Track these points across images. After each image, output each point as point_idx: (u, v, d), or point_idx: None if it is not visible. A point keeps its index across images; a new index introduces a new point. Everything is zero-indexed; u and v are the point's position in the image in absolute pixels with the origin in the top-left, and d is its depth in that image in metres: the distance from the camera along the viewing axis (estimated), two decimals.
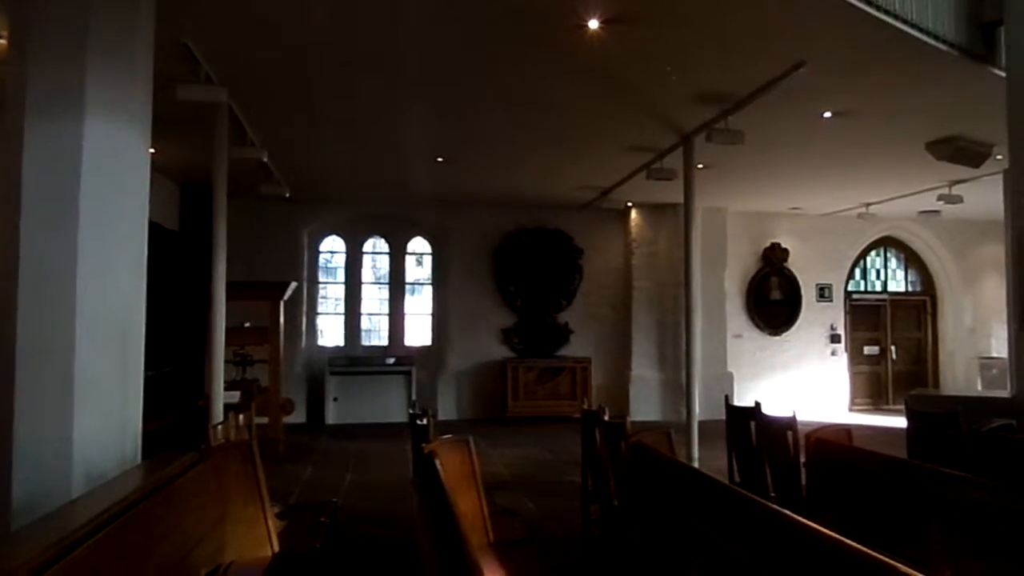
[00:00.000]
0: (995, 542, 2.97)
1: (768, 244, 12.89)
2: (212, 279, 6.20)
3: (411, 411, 4.64)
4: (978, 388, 12.34)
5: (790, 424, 4.34)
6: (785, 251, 12.90)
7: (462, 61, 5.86)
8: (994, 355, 12.84)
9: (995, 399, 6.81)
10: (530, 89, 6.51)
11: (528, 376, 12.04)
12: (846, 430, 4.03)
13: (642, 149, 8.50)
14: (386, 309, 12.79)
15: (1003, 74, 5.49)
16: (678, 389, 11.36)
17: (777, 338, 12.94)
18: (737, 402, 5.88)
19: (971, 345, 13.47)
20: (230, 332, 6.98)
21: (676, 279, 11.42)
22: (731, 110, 6.72)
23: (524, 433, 10.75)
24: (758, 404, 4.82)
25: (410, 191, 11.18)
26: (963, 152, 7.65)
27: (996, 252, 10.74)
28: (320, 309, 12.59)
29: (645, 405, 12.09)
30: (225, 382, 6.62)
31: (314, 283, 12.47)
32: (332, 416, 11.41)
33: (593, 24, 5.01)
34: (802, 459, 4.36)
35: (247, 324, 8.91)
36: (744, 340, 12.77)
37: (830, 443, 3.93)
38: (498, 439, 10.19)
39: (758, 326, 12.87)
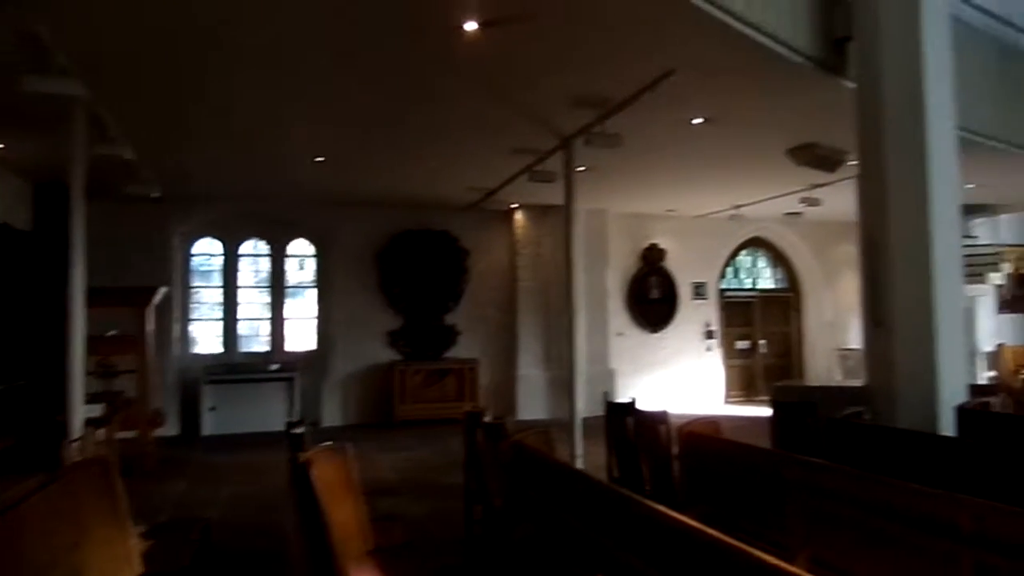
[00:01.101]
0: (847, 523, 3.18)
1: (647, 245, 13.37)
2: (69, 284, 5.78)
3: (288, 419, 4.50)
4: (837, 378, 13.26)
5: (662, 419, 4.50)
6: (663, 251, 13.41)
7: (341, 57, 5.72)
8: (851, 347, 13.83)
9: (850, 388, 7.33)
10: (411, 89, 6.45)
11: (415, 379, 11.93)
12: (714, 422, 4.23)
13: (524, 151, 8.60)
14: (267, 314, 12.35)
15: (853, 86, 5.90)
16: (564, 387, 11.56)
17: (657, 335, 13.44)
18: (620, 398, 6.05)
19: (831, 337, 14.47)
20: (92, 341, 6.54)
21: (560, 279, 11.61)
22: (608, 114, 6.90)
23: (412, 436, 10.66)
24: (634, 400, 4.97)
25: (290, 191, 10.85)
26: (820, 158, 8.19)
27: (852, 251, 11.56)
28: (195, 315, 11.99)
29: (532, 404, 12.26)
30: (87, 395, 6.20)
31: (187, 288, 11.87)
32: (208, 427, 10.88)
33: (470, 26, 5.02)
34: (676, 452, 4.53)
35: (112, 333, 8.37)
36: (626, 338, 13.17)
37: (700, 435, 4.10)
38: (386, 443, 10.05)
39: (639, 324, 13.32)
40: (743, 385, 14.27)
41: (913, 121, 5.26)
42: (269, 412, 11.01)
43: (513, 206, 12.48)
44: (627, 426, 5.00)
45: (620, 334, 13.06)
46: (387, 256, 12.33)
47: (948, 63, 5.52)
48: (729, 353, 14.24)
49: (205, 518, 4.78)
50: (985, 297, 13.18)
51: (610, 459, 5.43)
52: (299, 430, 4.29)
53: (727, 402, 13.75)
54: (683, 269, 13.59)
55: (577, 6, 4.83)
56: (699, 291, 13.79)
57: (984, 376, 12.53)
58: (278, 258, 12.42)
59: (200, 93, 6.49)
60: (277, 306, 12.34)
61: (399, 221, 12.36)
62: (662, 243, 13.43)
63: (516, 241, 12.73)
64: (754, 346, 14.52)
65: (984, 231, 13.24)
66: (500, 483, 4.33)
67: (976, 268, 12.05)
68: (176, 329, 11.43)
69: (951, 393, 5.13)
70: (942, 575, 2.60)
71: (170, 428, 10.29)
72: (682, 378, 13.49)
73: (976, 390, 5.59)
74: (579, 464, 7.66)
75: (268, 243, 12.40)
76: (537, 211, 12.40)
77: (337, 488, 3.84)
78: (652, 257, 13.40)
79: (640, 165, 9.34)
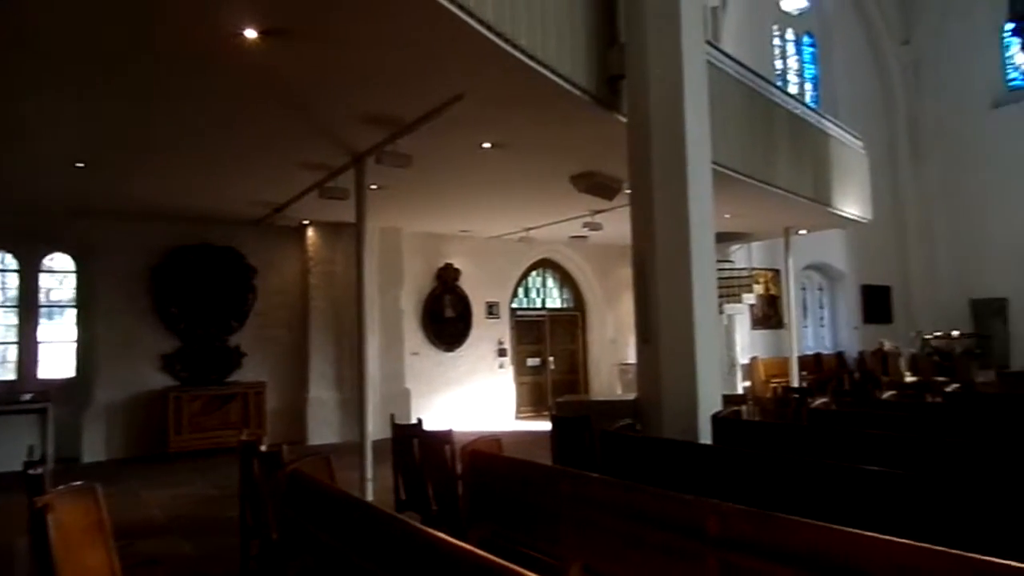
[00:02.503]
0: (614, 531, 3.36)
1: (442, 264, 13.49)
2: None
3: (26, 459, 3.88)
4: (618, 392, 14.17)
5: (447, 438, 4.52)
6: (457, 271, 13.60)
7: (107, 52, 5.18)
8: (630, 362, 14.85)
9: (624, 401, 7.83)
10: (188, 94, 6.00)
11: (194, 406, 11.05)
12: (496, 440, 4.30)
13: (315, 167, 8.33)
14: (14, 337, 10.88)
15: (626, 120, 6.37)
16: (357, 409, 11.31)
17: (451, 354, 13.57)
18: (415, 418, 5.99)
19: (613, 354, 15.45)
20: None
21: (354, 298, 11.38)
22: (399, 134, 6.88)
23: (188, 469, 9.84)
24: (420, 421, 4.94)
25: (45, 200, 9.67)
26: (599, 186, 8.74)
27: (629, 273, 12.44)
28: None
29: (324, 428, 11.85)
30: None
31: None
32: None
33: (251, 34, 4.78)
34: (460, 471, 4.55)
35: None
36: (421, 357, 13.17)
37: (482, 454, 4.15)
38: (156, 478, 9.19)
39: (433, 343, 13.37)
40: (534, 401, 14.80)
41: (675, 155, 5.76)
42: (15, 449, 9.60)
43: (305, 222, 12.05)
44: (413, 448, 4.96)
45: (415, 353, 13.03)
46: (164, 273, 11.36)
47: (705, 104, 6.13)
48: (520, 370, 14.72)
49: None
50: (742, 315, 14.78)
51: (397, 482, 5.35)
52: (38, 470, 3.76)
53: (518, 418, 14.19)
54: (477, 289, 13.87)
55: (362, 25, 4.77)
56: (492, 310, 14.14)
57: (741, 386, 14.01)
58: (29, 274, 11.01)
59: None
60: (27, 328, 10.90)
61: (178, 235, 11.45)
62: (457, 263, 13.62)
63: (308, 259, 12.29)
64: (544, 363, 15.13)
65: (740, 256, 14.88)
66: (277, 515, 4.09)
67: (734, 289, 13.48)
68: None
69: (708, 404, 5.65)
70: (693, 575, 2.82)
71: None
72: (477, 396, 13.73)
73: (729, 400, 6.19)
74: (369, 488, 7.49)
75: (17, 258, 10.96)
76: (330, 228, 12.07)
77: (85, 533, 3.42)
78: (447, 277, 13.54)
79: (433, 186, 9.41)
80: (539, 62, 5.54)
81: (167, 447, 10.71)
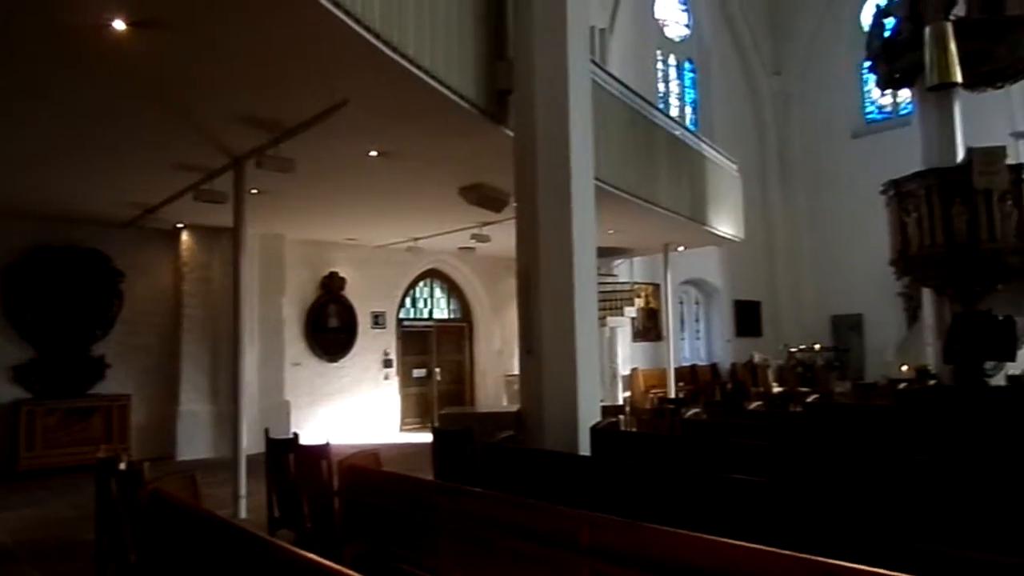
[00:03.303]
0: (491, 544, 3.35)
1: (327, 273, 13.16)
2: None
3: None
4: (504, 403, 14.24)
5: (324, 453, 4.39)
6: (343, 280, 13.31)
7: None
8: (516, 373, 14.98)
9: (508, 413, 7.87)
10: (52, 84, 5.58)
11: (49, 420, 10.22)
12: (375, 454, 4.21)
13: (191, 168, 7.93)
14: None
15: (512, 134, 6.44)
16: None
17: (335, 364, 13.24)
18: (295, 431, 5.79)
19: (500, 365, 15.54)
20: None
21: (231, 306, 10.92)
22: (281, 138, 6.68)
23: (41, 488, 9.09)
24: (296, 435, 4.78)
25: None
26: (487, 198, 8.79)
27: (515, 285, 12.59)
28: None
29: (196, 442, 11.25)
30: None
31: None
32: None
33: (119, 25, 4.50)
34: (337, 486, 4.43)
35: None
36: (303, 368, 12.78)
37: (359, 469, 4.06)
38: (3, 500, 8.44)
39: (316, 353, 13.01)
40: (419, 412, 14.64)
41: (560, 170, 5.88)
42: None
43: (179, 225, 11.45)
44: (288, 463, 4.79)
45: (297, 364, 12.63)
46: (17, 276, 10.48)
47: (589, 122, 6.29)
48: (406, 381, 14.54)
49: None
50: (623, 328, 15.23)
51: (271, 498, 5.14)
52: None
53: (403, 430, 14.00)
54: (363, 298, 13.61)
55: (241, 23, 4.60)
56: (378, 320, 13.91)
57: (622, 396, 14.42)
58: None
59: None
60: None
61: (38, 235, 10.60)
62: (342, 272, 13.33)
63: (182, 264, 11.67)
64: (431, 374, 15.02)
65: (622, 270, 15.36)
66: (136, 538, 3.84)
67: (616, 302, 13.89)
68: None
69: (588, 415, 5.77)
70: None
71: None
72: (361, 408, 13.45)
73: (607, 410, 6.34)
74: (242, 506, 7.18)
75: None
76: (207, 232, 11.52)
77: None
78: (332, 285, 13.22)
79: (318, 192, 9.18)
80: (427, 72, 5.52)
81: (17, 465, 9.86)
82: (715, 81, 19.72)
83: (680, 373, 15.86)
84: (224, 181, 7.95)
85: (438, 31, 5.73)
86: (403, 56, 5.22)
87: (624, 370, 15.33)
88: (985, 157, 9.07)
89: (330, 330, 13.19)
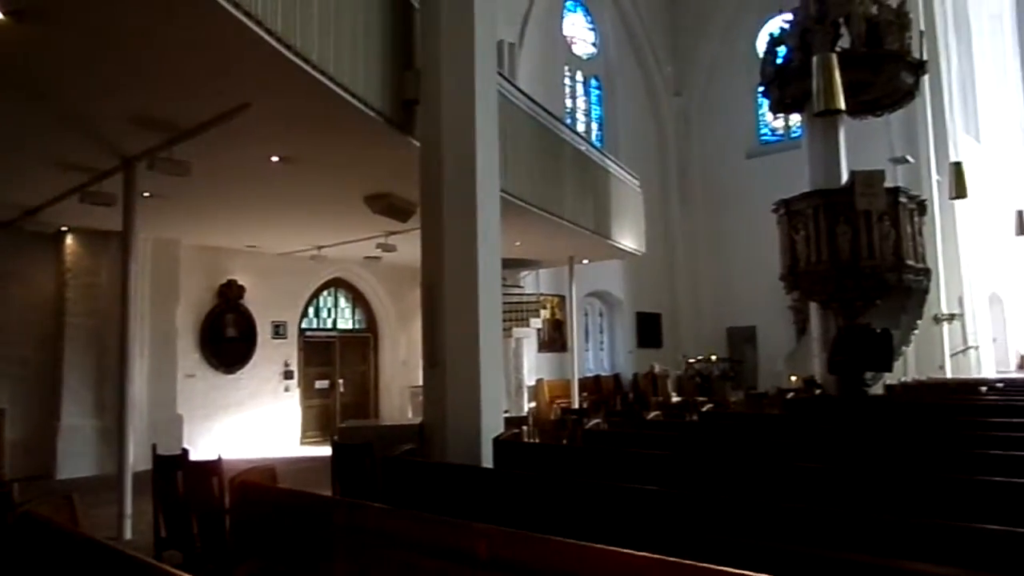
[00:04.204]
0: (389, 560, 3.30)
1: (224, 280, 12.67)
2: None
3: None
4: (409, 415, 14.08)
5: (215, 469, 4.21)
6: (242, 288, 12.84)
7: None
8: (421, 384, 14.85)
9: (411, 425, 7.79)
10: None
11: None
12: (270, 469, 4.08)
13: (76, 168, 7.49)
14: None
15: (418, 144, 6.40)
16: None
17: (232, 376, 12.75)
18: (187, 446, 5.53)
19: (405, 376, 15.35)
20: None
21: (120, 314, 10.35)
22: (176, 140, 6.40)
23: None
24: (185, 451, 4.57)
25: None
26: (393, 208, 8.71)
27: None
28: None
29: (79, 459, 10.56)
30: None
31: None
32: None
33: None
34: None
35: None
36: (197, 379, 12.24)
37: (252, 485, 3.91)
38: None
39: (212, 364, 12.49)
40: (321, 425, 14.27)
41: (466, 182, 5.89)
42: None
43: (63, 229, 10.78)
44: (177, 480, 4.56)
45: (190, 376, 12.09)
46: None
47: (496, 133, 6.33)
48: (308, 393, 14.16)
49: None
50: (529, 338, 15.38)
51: (157, 518, 4.89)
52: None
53: (303, 443, 13.62)
54: (263, 307, 13.17)
55: (130, 16, 4.38)
56: (279, 330, 13.50)
57: (527, 407, 14.53)
58: None
59: None
60: None
61: None
62: (241, 279, 12.86)
63: (66, 270, 10.97)
64: (333, 385, 14.69)
65: (529, 282, 15.51)
66: (4, 565, 3.57)
67: (522, 313, 14.02)
68: None
69: (492, 427, 5.78)
70: None
71: None
72: (259, 421, 12.99)
73: (510, 422, 6.37)
74: (127, 526, 6.80)
75: None
76: (95, 236, 10.87)
77: None
78: (230, 294, 12.73)
79: (217, 197, 8.85)
80: (331, 79, 5.43)
81: None
82: (620, 99, 20.28)
83: (584, 383, 16.14)
84: (114, 183, 7.54)
85: (343, 38, 5.64)
86: (306, 61, 5.11)
87: (530, 380, 15.46)
88: (866, 180, 9.69)
89: (227, 340, 12.69)
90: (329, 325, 14.90)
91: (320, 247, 12.37)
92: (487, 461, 5.57)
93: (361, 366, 15.33)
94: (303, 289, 14.04)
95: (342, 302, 15.20)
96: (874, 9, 10.37)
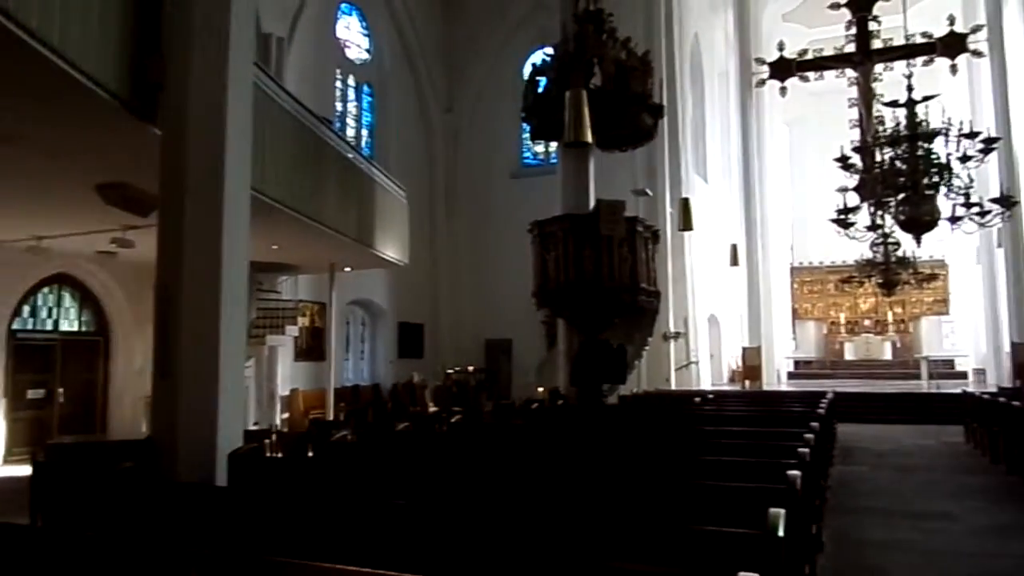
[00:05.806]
0: None
1: None
2: None
3: None
4: (143, 428, 12.82)
5: None
6: None
7: None
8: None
9: (139, 441, 7.10)
10: None
11: None
12: None
13: None
14: None
15: (160, 133, 5.89)
16: None
17: None
18: None
19: (140, 386, 13.94)
20: None
21: None
22: None
23: None
24: None
25: None
26: (131, 200, 7.92)
27: None
28: None
29: None
30: None
31: None
32: None
33: None
34: None
35: None
36: None
37: None
38: None
39: None
40: (32, 440, 12.45)
41: (212, 177, 5.54)
42: None
43: None
44: None
45: None
46: None
47: (249, 129, 6.02)
48: (16, 404, 12.32)
49: None
50: (285, 346, 14.75)
51: None
52: None
53: (8, 462, 11.84)
54: None
55: None
56: None
57: (280, 418, 13.93)
58: None
59: None
60: None
61: None
62: None
63: None
64: (52, 395, 12.95)
65: (287, 288, 14.90)
66: None
67: (278, 320, 13.44)
68: None
69: (228, 441, 5.44)
70: None
71: None
72: None
73: (251, 435, 6.06)
74: None
75: None
76: None
77: None
78: None
79: None
80: (54, 51, 4.82)
81: None
82: (392, 108, 20.29)
83: (342, 393, 15.81)
84: None
85: (74, 9, 5.04)
86: (23, 28, 4.50)
87: (284, 390, 14.83)
88: (608, 208, 10.59)
89: None
90: (49, 327, 13.13)
91: (40, 237, 10.88)
92: (221, 478, 5.24)
93: (87, 374, 13.68)
94: (17, 284, 12.21)
95: (67, 301, 13.48)
96: (623, 54, 11.38)
